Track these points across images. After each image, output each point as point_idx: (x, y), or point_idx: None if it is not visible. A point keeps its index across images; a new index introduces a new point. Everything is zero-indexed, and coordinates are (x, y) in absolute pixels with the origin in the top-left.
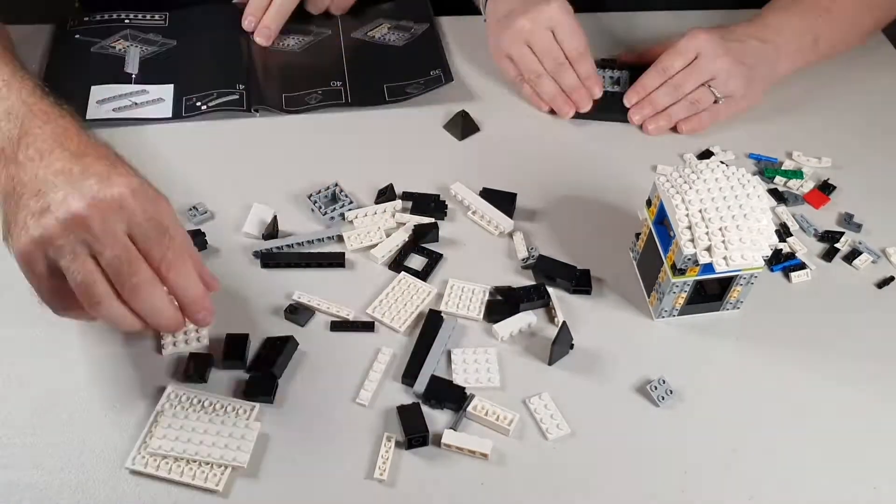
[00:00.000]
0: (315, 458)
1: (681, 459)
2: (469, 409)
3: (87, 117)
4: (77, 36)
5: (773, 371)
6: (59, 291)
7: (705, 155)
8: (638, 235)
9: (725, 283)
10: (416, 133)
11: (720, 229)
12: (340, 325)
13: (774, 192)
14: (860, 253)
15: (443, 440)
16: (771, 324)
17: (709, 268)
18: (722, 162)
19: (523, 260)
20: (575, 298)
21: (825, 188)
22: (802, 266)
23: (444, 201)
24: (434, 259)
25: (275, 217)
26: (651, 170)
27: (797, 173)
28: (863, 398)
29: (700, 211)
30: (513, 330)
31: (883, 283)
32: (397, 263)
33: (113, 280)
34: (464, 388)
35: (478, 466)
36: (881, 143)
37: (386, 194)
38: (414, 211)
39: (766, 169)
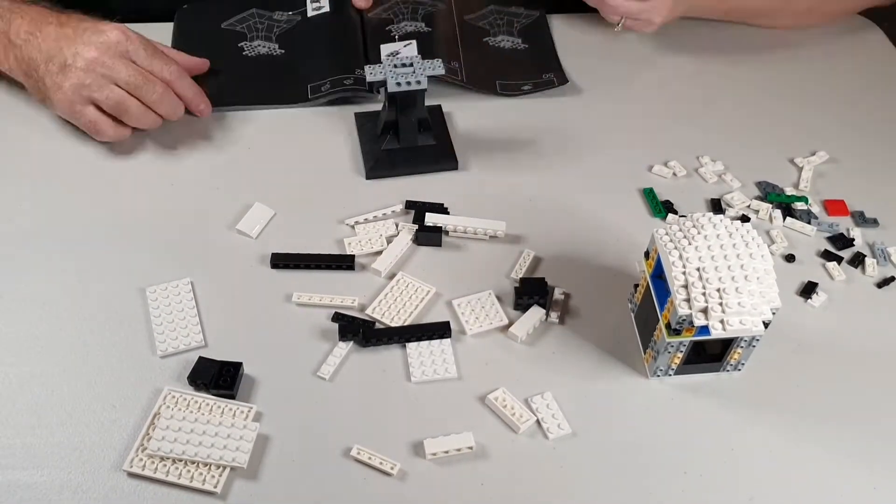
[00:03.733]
0: (316, 458)
1: (681, 459)
2: (490, 398)
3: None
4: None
5: (772, 372)
6: (101, 122)
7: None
8: (636, 287)
9: (727, 343)
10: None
11: (718, 290)
12: None
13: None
14: (864, 256)
15: (427, 451)
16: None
17: (705, 330)
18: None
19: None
20: (565, 358)
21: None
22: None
23: (447, 209)
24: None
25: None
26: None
27: (802, 198)
28: (862, 399)
29: (698, 269)
30: (528, 328)
31: (882, 283)
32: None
33: (136, 95)
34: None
35: (478, 466)
36: (873, 132)
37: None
38: (416, 220)
39: (770, 194)
